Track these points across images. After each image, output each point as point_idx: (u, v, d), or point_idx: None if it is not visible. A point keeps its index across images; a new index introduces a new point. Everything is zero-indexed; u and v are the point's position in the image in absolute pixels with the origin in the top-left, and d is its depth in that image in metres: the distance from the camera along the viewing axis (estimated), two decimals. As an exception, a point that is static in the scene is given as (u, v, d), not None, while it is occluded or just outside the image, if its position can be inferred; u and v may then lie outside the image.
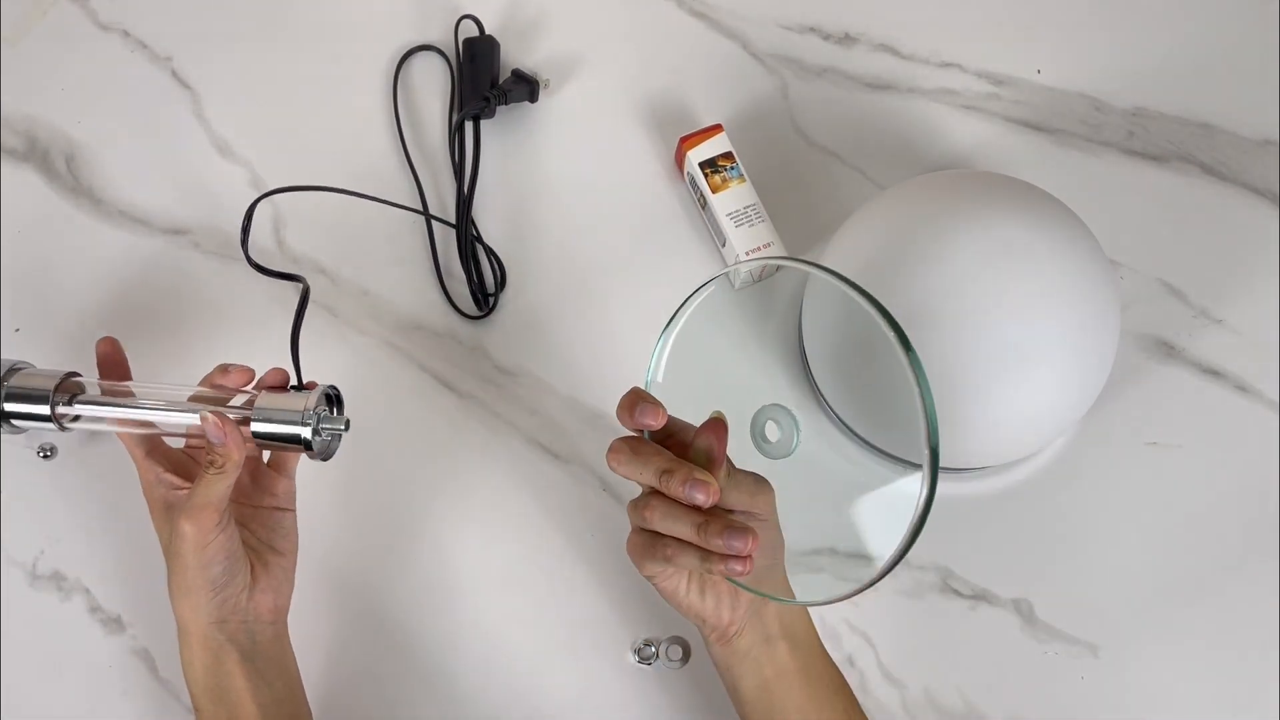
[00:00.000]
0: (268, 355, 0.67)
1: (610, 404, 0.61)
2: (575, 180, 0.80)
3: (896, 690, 0.71)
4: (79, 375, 0.64)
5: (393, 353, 0.77)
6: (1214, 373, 0.77)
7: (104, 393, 0.63)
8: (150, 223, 0.79)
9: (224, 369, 0.64)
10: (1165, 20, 0.84)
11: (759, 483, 0.60)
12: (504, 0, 0.84)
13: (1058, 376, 0.66)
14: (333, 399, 0.63)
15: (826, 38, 0.84)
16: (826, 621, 0.72)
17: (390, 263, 0.78)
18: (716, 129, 0.78)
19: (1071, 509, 0.74)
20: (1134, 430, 0.76)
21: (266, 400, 0.61)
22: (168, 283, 0.78)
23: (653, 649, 0.71)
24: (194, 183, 0.80)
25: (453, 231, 0.78)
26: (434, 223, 0.78)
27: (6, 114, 0.81)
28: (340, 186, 0.71)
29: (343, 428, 0.62)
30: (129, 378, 0.67)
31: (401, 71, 0.82)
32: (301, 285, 0.63)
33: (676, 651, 0.71)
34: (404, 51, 0.82)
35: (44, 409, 0.62)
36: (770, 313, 0.78)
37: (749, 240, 0.75)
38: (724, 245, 0.77)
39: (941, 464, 0.73)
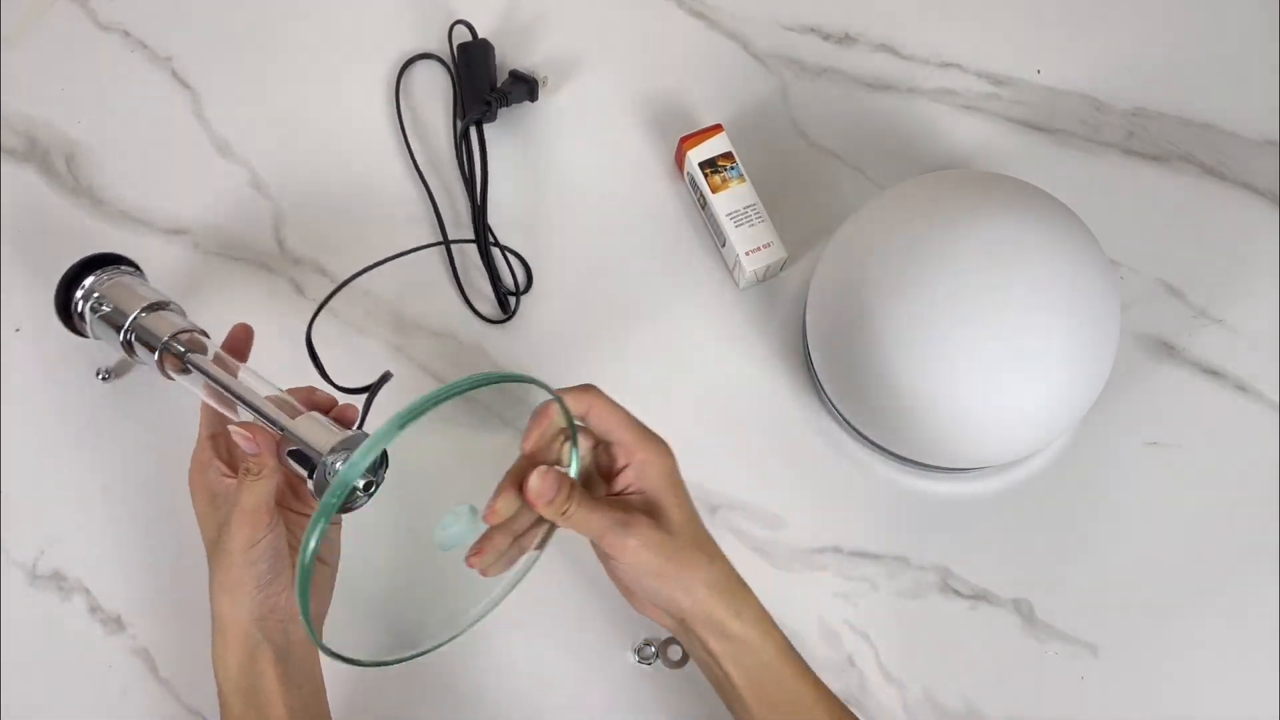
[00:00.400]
0: (266, 354, 0.67)
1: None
2: (576, 180, 0.80)
3: (896, 690, 0.71)
4: (206, 336, 0.67)
5: (393, 353, 0.77)
6: (1214, 373, 0.77)
7: (215, 361, 0.65)
8: (150, 223, 0.79)
9: (311, 389, 0.64)
10: (1165, 20, 0.84)
11: (613, 526, 0.58)
12: (502, 2, 0.84)
13: (1058, 376, 0.66)
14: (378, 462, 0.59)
15: (826, 38, 0.84)
16: (826, 622, 0.72)
17: (395, 265, 0.78)
18: (716, 129, 0.78)
19: (1071, 509, 0.74)
20: (1134, 430, 0.76)
21: (301, 424, 0.59)
22: (167, 283, 0.77)
23: (652, 649, 0.71)
24: (194, 183, 0.80)
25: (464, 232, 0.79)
26: (453, 228, 0.78)
27: (6, 114, 0.81)
28: (373, 261, 0.71)
29: (359, 486, 0.58)
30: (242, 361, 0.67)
31: (403, 79, 0.82)
32: (384, 376, 0.63)
33: (676, 652, 0.71)
34: (404, 59, 0.82)
35: (154, 352, 0.66)
36: (774, 311, 0.78)
37: (749, 240, 0.75)
38: (724, 245, 0.77)
39: (942, 464, 0.73)
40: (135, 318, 0.67)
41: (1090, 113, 0.82)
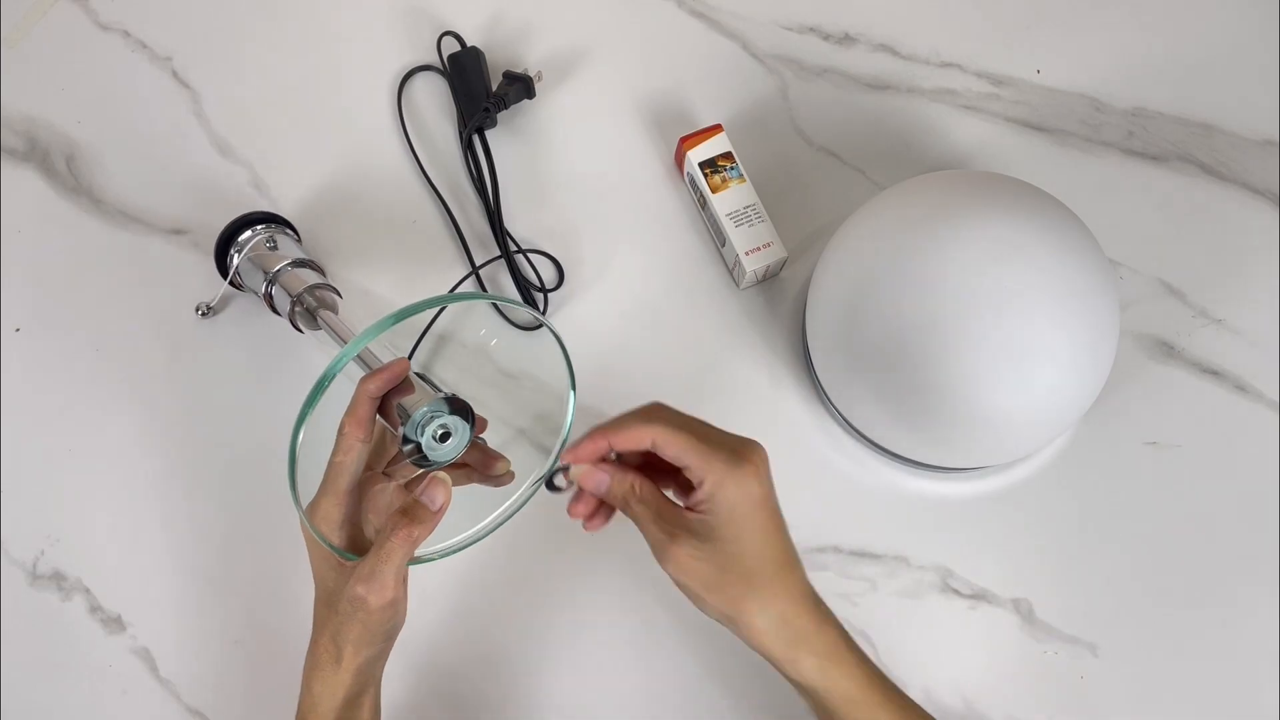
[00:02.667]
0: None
1: (607, 402, 0.61)
2: (576, 180, 0.80)
3: (897, 690, 0.71)
4: (339, 295, 0.71)
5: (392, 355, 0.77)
6: (1214, 373, 0.77)
7: (340, 322, 0.68)
8: (150, 223, 0.79)
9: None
10: (1165, 20, 0.84)
11: (655, 544, 0.58)
12: (488, 11, 0.84)
13: (1058, 376, 0.66)
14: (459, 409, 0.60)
15: (826, 38, 0.84)
16: (827, 621, 0.72)
17: (393, 259, 0.78)
18: (716, 129, 0.78)
19: (1071, 509, 0.74)
20: (1134, 430, 0.76)
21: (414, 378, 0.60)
22: (168, 282, 0.78)
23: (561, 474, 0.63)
24: (194, 183, 0.80)
25: (471, 229, 0.79)
26: (469, 234, 0.78)
27: (6, 114, 0.81)
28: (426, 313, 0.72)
29: (436, 435, 0.59)
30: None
31: (405, 86, 0.82)
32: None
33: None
34: (403, 54, 0.82)
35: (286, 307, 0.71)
36: (775, 312, 0.78)
37: (749, 240, 0.75)
38: (724, 245, 0.77)
39: (942, 464, 0.73)
40: (280, 269, 0.71)
41: (1090, 113, 0.82)
